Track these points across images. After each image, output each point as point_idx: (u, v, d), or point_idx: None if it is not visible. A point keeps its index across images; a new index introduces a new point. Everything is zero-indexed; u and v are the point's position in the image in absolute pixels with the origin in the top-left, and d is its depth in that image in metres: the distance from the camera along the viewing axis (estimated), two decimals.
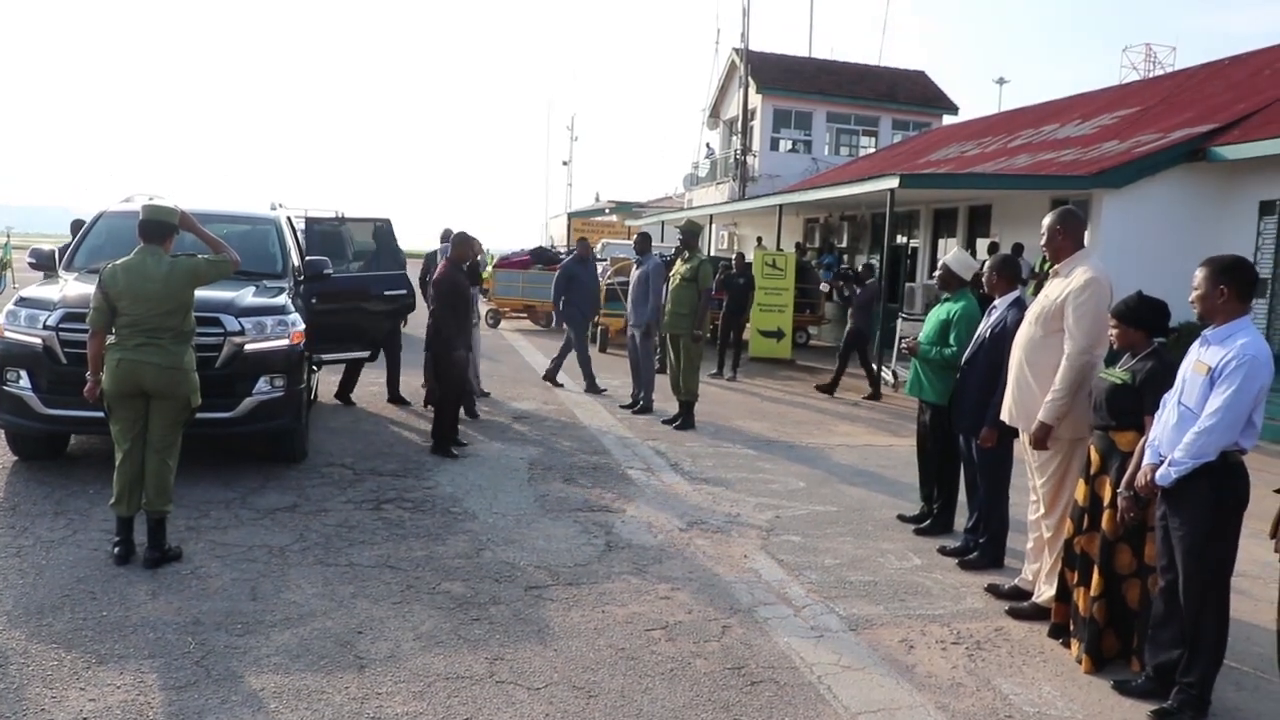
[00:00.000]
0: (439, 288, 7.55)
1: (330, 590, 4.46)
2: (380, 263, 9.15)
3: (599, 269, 14.01)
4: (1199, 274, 3.65)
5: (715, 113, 31.17)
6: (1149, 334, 4.03)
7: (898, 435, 9.33)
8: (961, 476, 5.79)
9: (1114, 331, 4.10)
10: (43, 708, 3.27)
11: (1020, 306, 5.12)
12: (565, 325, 11.04)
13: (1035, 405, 4.49)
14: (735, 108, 26.84)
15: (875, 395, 11.81)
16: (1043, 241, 4.62)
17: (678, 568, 5.07)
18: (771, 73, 27.67)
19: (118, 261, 4.69)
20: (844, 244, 21.03)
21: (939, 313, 5.90)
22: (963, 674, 3.98)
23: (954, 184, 15.75)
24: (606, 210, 40.70)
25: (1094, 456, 4.10)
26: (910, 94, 29.30)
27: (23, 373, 5.80)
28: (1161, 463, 3.60)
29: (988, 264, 5.53)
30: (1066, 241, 4.55)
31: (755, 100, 26.44)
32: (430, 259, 12.59)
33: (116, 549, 4.65)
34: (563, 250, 25.40)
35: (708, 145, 32.03)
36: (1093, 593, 4.03)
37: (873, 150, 27.94)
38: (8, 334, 5.88)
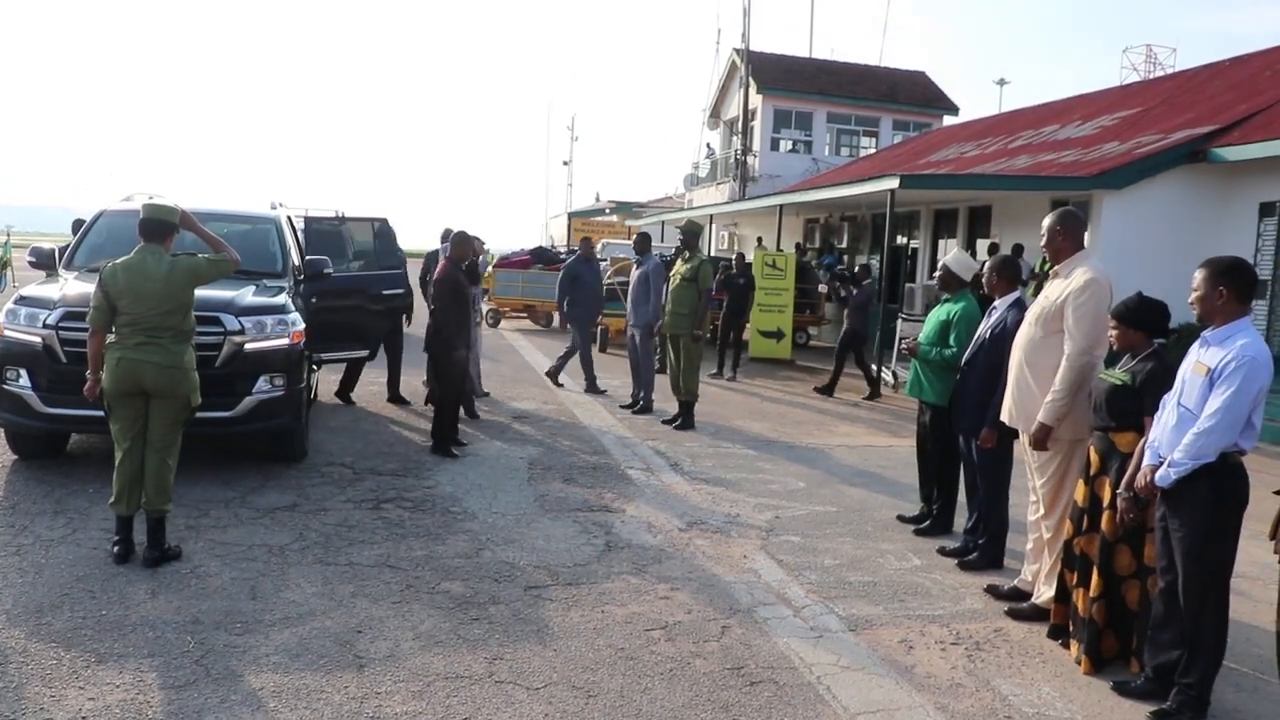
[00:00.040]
0: (439, 287, 7.54)
1: (330, 589, 4.46)
2: (379, 262, 9.15)
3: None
4: (1198, 275, 3.65)
5: (716, 113, 31.17)
6: (1149, 335, 4.03)
7: (897, 436, 9.33)
8: (961, 477, 5.79)
9: (1114, 332, 4.10)
10: (42, 706, 3.27)
11: (1020, 307, 5.12)
12: (569, 326, 11.02)
13: (1035, 406, 4.49)
14: (736, 108, 26.83)
15: (874, 395, 11.83)
16: (1043, 242, 4.63)
17: (677, 568, 5.07)
18: (772, 73, 27.67)
19: (118, 260, 4.69)
20: (844, 244, 21.03)
21: (939, 313, 5.90)
22: (962, 674, 3.98)
23: (954, 185, 15.75)
24: (607, 210, 40.71)
25: (1094, 457, 4.10)
26: (911, 94, 29.29)
27: (23, 371, 5.80)
28: (1161, 464, 3.60)
29: (988, 265, 5.54)
30: (1066, 242, 4.55)
31: (756, 100, 26.43)
32: (431, 258, 12.59)
33: (116, 548, 4.65)
34: (563, 250, 25.40)
35: (708, 145, 32.06)
36: (1092, 594, 4.03)
37: (873, 151, 27.94)
38: (8, 333, 5.88)
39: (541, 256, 20.28)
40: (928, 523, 6.03)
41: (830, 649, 4.14)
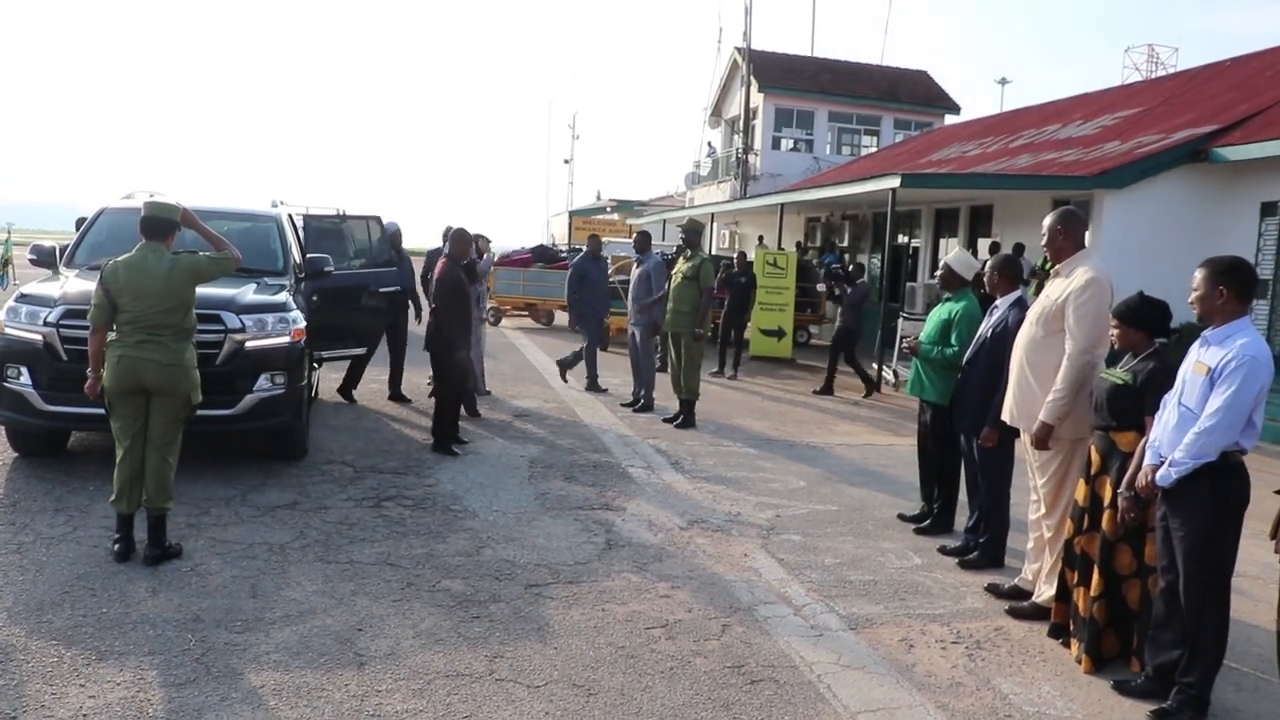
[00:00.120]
0: (440, 286, 7.53)
1: (330, 588, 4.47)
2: (374, 260, 9.13)
3: None
4: (1198, 275, 3.65)
5: (717, 111, 31.15)
6: (1150, 334, 4.03)
7: (898, 434, 9.33)
8: (962, 476, 5.79)
9: (1115, 332, 4.10)
10: (43, 704, 3.27)
11: (1021, 306, 5.12)
12: (578, 325, 11.00)
13: (1036, 405, 4.49)
14: (737, 106, 26.81)
15: (869, 393, 11.87)
16: (1043, 242, 4.63)
17: (678, 566, 5.07)
18: (773, 72, 27.64)
19: (119, 258, 4.69)
20: (845, 243, 21.02)
21: (940, 312, 5.90)
22: (962, 673, 3.98)
23: (955, 184, 15.74)
24: (608, 209, 40.71)
25: (1094, 457, 4.10)
26: (912, 94, 29.26)
27: (23, 369, 5.80)
28: (1162, 463, 3.60)
29: (989, 264, 5.53)
30: (1067, 242, 4.55)
31: (757, 99, 26.40)
32: (432, 257, 12.58)
33: (117, 546, 4.65)
34: (563, 249, 25.38)
35: (709, 144, 32.02)
36: (1093, 593, 4.03)
37: (874, 150, 27.91)
38: (8, 330, 5.88)
39: (542, 255, 20.27)
40: (928, 521, 6.03)
41: (831, 648, 4.14)
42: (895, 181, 12.55)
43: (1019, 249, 12.79)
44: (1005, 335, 5.03)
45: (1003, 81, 45.07)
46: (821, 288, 17.52)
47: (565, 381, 11.17)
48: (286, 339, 6.27)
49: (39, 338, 5.79)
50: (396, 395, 9.51)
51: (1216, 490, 3.51)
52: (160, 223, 4.73)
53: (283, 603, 4.25)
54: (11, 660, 3.57)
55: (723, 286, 13.16)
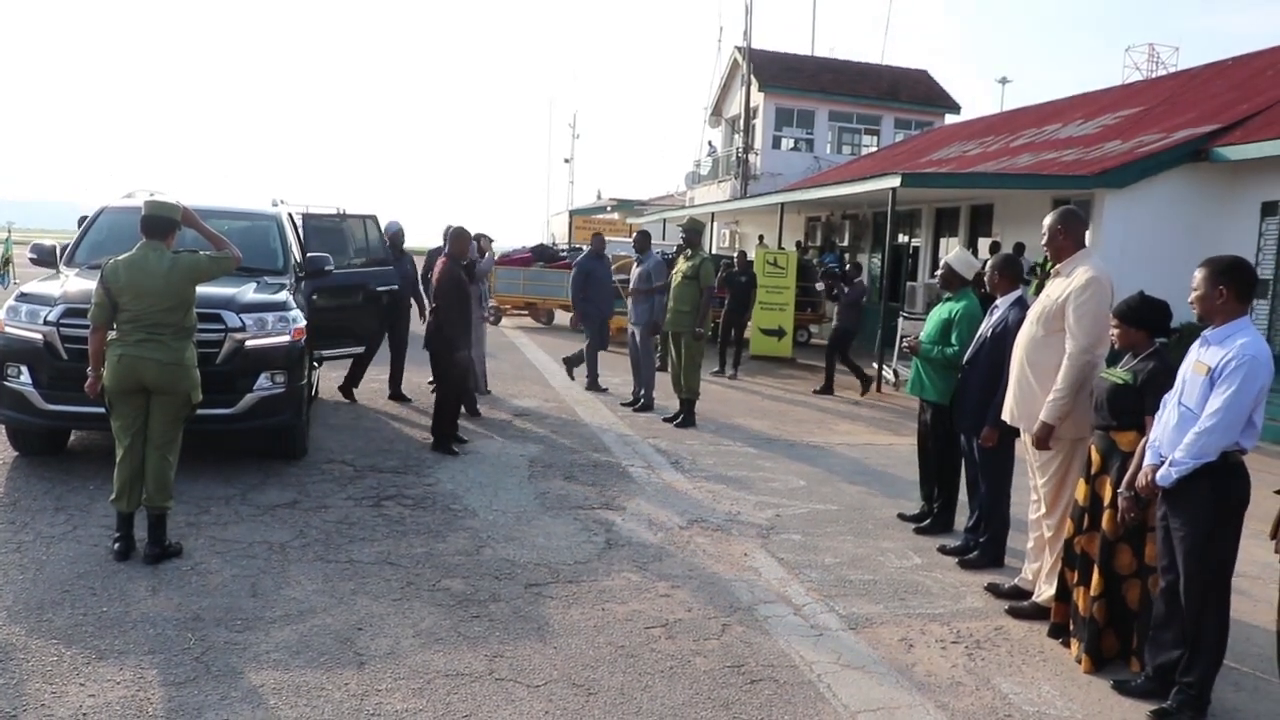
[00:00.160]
0: (440, 285, 7.53)
1: (330, 587, 4.47)
2: (370, 258, 9.11)
3: None
4: (1198, 275, 3.65)
5: (717, 111, 31.15)
6: (1150, 334, 4.03)
7: (898, 434, 9.33)
8: (962, 476, 5.79)
9: (1115, 331, 4.10)
10: (43, 703, 3.27)
11: (1022, 306, 5.12)
12: (583, 325, 10.99)
13: (1036, 405, 4.49)
14: (737, 106, 26.80)
15: (865, 388, 11.89)
16: (1044, 241, 4.62)
17: (678, 566, 5.07)
18: (774, 71, 27.64)
19: (119, 257, 4.69)
20: (846, 243, 21.02)
21: (941, 312, 5.90)
22: (962, 673, 3.98)
23: (956, 183, 15.73)
24: (608, 208, 40.70)
25: (1095, 456, 4.10)
26: (913, 93, 29.25)
27: (23, 368, 5.80)
28: (1162, 463, 3.60)
29: (990, 263, 5.53)
30: (1068, 241, 4.55)
31: (757, 98, 26.40)
32: (432, 256, 12.58)
33: (117, 545, 4.65)
34: (564, 248, 25.37)
35: (709, 143, 32.02)
36: (1093, 592, 4.03)
37: (875, 149, 27.90)
38: (9, 329, 5.88)
39: (542, 254, 20.26)
40: (928, 521, 6.03)
41: (830, 647, 4.14)
42: (895, 181, 12.55)
43: (1019, 248, 12.79)
44: (1005, 335, 5.03)
45: (1003, 81, 45.08)
46: (820, 287, 17.53)
47: (572, 379, 11.17)
48: (287, 338, 6.27)
49: (39, 337, 5.79)
50: (397, 394, 9.51)
51: (1217, 490, 3.50)
52: (160, 222, 4.73)
53: (283, 602, 4.25)
54: (11, 659, 3.57)
55: (723, 286, 13.15)
